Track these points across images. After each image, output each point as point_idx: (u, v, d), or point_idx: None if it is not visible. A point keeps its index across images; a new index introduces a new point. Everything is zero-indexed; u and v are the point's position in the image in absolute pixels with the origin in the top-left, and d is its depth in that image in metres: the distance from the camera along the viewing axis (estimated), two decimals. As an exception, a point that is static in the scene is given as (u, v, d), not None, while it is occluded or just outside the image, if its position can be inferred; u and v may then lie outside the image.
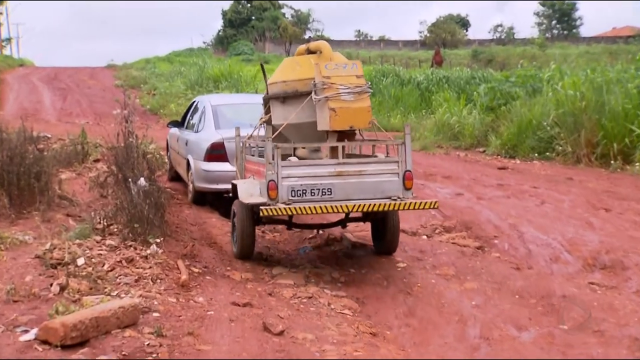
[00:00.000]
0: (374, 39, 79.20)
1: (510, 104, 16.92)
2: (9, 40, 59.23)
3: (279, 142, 6.96)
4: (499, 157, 15.34)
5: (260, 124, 7.71)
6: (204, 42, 73.83)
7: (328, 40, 72.01)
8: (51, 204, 8.30)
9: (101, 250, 6.28)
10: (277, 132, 7.10)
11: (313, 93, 6.82)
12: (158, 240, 6.76)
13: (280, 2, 74.13)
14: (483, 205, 9.74)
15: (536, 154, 14.58)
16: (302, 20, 73.51)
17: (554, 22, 79.36)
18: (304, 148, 7.56)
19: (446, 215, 9.36)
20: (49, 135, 14.62)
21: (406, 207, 6.66)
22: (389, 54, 61.74)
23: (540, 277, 6.60)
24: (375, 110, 24.59)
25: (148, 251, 6.40)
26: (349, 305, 6.08)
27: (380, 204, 6.62)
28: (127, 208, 7.06)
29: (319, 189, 6.68)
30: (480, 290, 6.30)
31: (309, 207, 6.51)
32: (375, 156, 7.31)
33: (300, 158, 7.27)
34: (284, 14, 74.01)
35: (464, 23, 77.58)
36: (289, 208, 6.52)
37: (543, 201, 9.81)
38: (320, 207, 6.53)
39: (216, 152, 9.74)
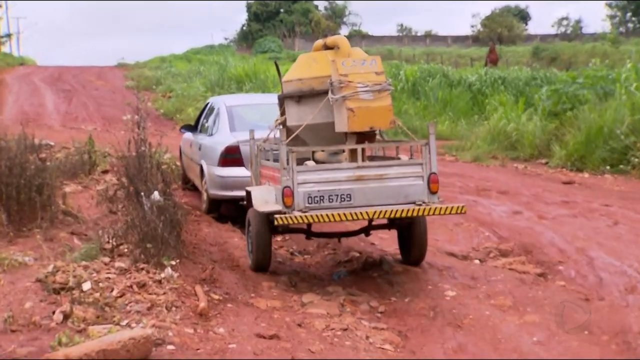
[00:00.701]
0: (418, 34, 79.11)
1: (578, 109, 16.72)
2: (8, 36, 60.48)
3: (295, 145, 7.24)
4: (564, 170, 15.18)
5: (276, 126, 8.03)
6: (226, 38, 74.70)
7: (366, 35, 72.41)
8: (54, 221, 8.41)
9: (110, 273, 6.34)
10: (294, 134, 7.38)
11: (330, 92, 7.10)
12: (173, 263, 6.81)
13: (312, -8, 74.51)
14: (545, 225, 9.64)
15: (608, 167, 14.38)
16: (336, 13, 73.92)
17: (628, 14, 78.33)
18: (323, 151, 7.78)
19: (502, 237, 9.29)
20: (52, 143, 14.86)
21: (432, 212, 7.02)
22: (436, 51, 61.63)
23: (614, 310, 6.49)
24: (419, 115, 24.63)
25: (162, 275, 6.45)
26: (389, 339, 6.05)
27: (403, 210, 6.96)
28: (139, 226, 7.13)
29: (337, 195, 6.98)
30: (542, 324, 6.22)
31: (327, 215, 6.85)
32: (398, 158, 7.55)
33: (318, 162, 7.55)
34: (316, 7, 74.46)
35: (523, 16, 77.11)
36: (306, 216, 6.85)
37: (616, 221, 9.68)
38: (340, 215, 6.86)
39: (231, 157, 10.07)
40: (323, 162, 7.60)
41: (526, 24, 77.27)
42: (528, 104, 20.48)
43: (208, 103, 12.42)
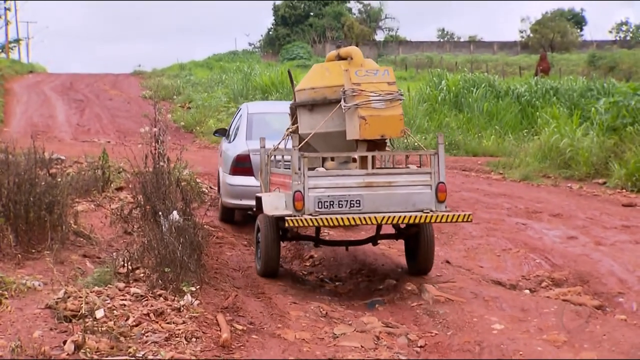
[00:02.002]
0: (461, 39, 79.10)
1: (639, 124, 16.58)
2: (17, 42, 61.25)
3: (307, 153, 8.00)
4: (624, 190, 15.02)
5: (287, 135, 8.91)
6: (251, 44, 75.16)
7: (403, 41, 72.47)
8: (65, 242, 8.49)
9: (125, 300, 6.39)
10: (304, 141, 8.21)
11: (342, 100, 7.90)
12: (193, 289, 6.85)
13: (345, -6, 74.81)
14: (603, 252, 9.54)
15: (673, 188, 14.22)
16: (371, 16, 74.09)
17: (695, 18, 77.72)
18: (332, 160, 8.59)
19: (555, 264, 9.21)
20: (63, 157, 15.05)
21: (438, 220, 7.91)
22: (481, 58, 61.52)
23: (680, 347, 6.39)
24: (463, 129, 24.60)
25: (181, 302, 6.49)
26: (430, 377, 6.01)
27: (411, 216, 7.86)
28: (156, 248, 7.19)
29: (347, 201, 7.81)
30: (600, 363, 6.14)
31: (337, 219, 7.69)
32: (408, 167, 8.50)
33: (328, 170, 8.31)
34: (349, 10, 74.71)
35: (577, 20, 76.63)
36: (316, 219, 7.68)
37: (683, 249, 9.55)
38: (349, 219, 7.73)
39: (241, 165, 11.00)
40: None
41: (581, 30, 76.79)
42: (583, 117, 20.35)
43: (240, 108, 13.37)
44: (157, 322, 6.02)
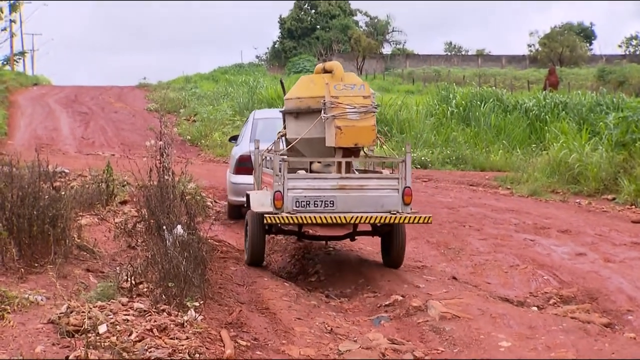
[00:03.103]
0: (469, 53, 79.24)
1: (649, 139, 16.58)
2: (22, 54, 61.58)
3: (295, 156, 9.47)
4: (634, 207, 14.99)
5: (278, 138, 10.14)
6: (257, 57, 75.43)
7: (411, 54, 72.59)
8: (68, 256, 8.49)
9: (128, 315, 6.38)
10: (290, 146, 9.49)
11: (322, 111, 9.04)
12: (197, 304, 6.84)
13: (352, 7, 75.03)
14: (612, 269, 9.53)
15: (683, 204, 14.19)
16: (379, 30, 74.26)
17: None
18: (319, 162, 9.74)
19: (563, 281, 9.20)
20: (67, 170, 15.10)
21: (402, 221, 9.01)
22: (489, 72, 61.63)
23: (690, 366, 6.36)
24: (470, 143, 24.59)
25: (185, 317, 6.48)
26: (436, 395, 5.99)
27: (379, 216, 8.98)
28: (160, 262, 7.19)
29: (322, 201, 8.92)
30: (609, 381, 6.12)
31: (312, 217, 8.84)
32: (381, 172, 9.84)
33: (314, 172, 9.68)
34: (356, 23, 74.93)
35: (587, 34, 76.71)
36: (293, 217, 8.79)
37: (693, 266, 9.53)
38: (322, 217, 8.84)
39: (244, 165, 12.20)
40: (318, 172, 9.63)
41: (590, 44, 76.85)
42: (593, 132, 20.32)
43: (249, 115, 14.87)
44: (160, 338, 6.01)
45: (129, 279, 7.31)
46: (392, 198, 9.01)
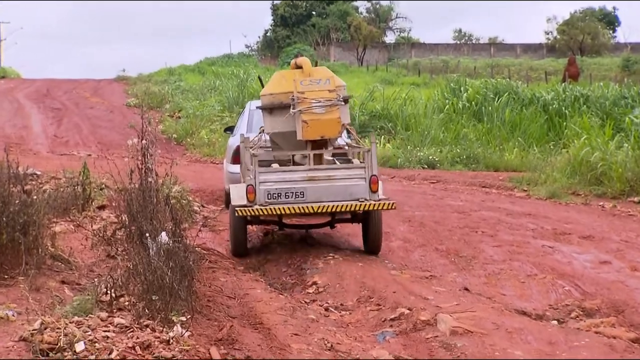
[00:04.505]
0: (480, 41, 79.27)
1: (679, 135, 16.62)
2: (-14, 43, 61.50)
3: (277, 149, 11.05)
4: (663, 210, 15.03)
5: (260, 132, 11.58)
6: (247, 46, 75.49)
7: (416, 43, 72.71)
8: (41, 267, 8.48)
9: (108, 331, 6.38)
10: (258, 141, 11.40)
11: (291, 106, 10.31)
12: (184, 319, 6.85)
13: (351, -8, 74.98)
14: (640, 278, 9.54)
15: None
16: (381, 16, 74.37)
17: None
18: (302, 155, 10.86)
19: (586, 292, 9.20)
20: (39, 173, 15.07)
21: (369, 208, 10.29)
22: (502, 62, 61.73)
23: None
24: (482, 141, 24.63)
25: (170, 334, 6.48)
26: (447, 418, 6.00)
27: (347, 205, 10.26)
28: (142, 273, 7.18)
29: (293, 192, 10.24)
30: (637, 402, 6.14)
31: (283, 208, 10.18)
32: (351, 161, 10.96)
33: (296, 163, 10.96)
34: (356, 9, 75.00)
35: (610, 20, 76.79)
36: (265, 209, 10.15)
37: None
38: (293, 208, 10.20)
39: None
40: (299, 163, 10.89)
41: (614, 31, 76.95)
42: (617, 128, 20.38)
43: (245, 106, 16.12)
44: (143, 356, 6.02)
45: (108, 292, 7.31)
46: (359, 187, 10.28)
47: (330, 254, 10.89)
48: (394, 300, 8.95)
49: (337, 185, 10.30)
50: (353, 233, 12.25)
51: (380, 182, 10.56)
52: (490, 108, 27.27)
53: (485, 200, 16.83)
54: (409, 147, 24.31)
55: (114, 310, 6.99)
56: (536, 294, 9.36)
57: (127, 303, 7.15)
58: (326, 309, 8.97)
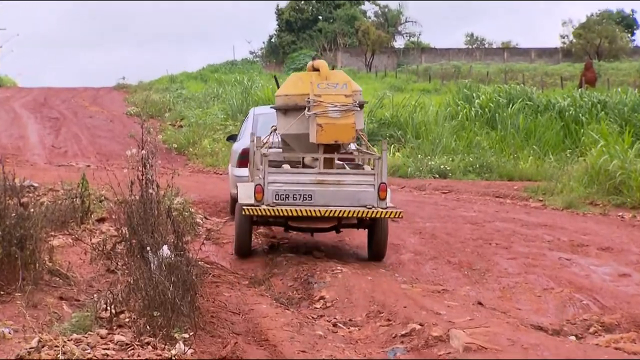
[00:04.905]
0: (493, 46, 79.21)
1: (701, 142, 16.58)
2: (-18, 52, 61.76)
3: (288, 150, 11.39)
4: (685, 220, 14.99)
5: (271, 133, 11.75)
6: (251, 52, 75.54)
7: (426, 48, 72.71)
8: (39, 283, 8.48)
9: (107, 349, 6.39)
10: (267, 141, 11.40)
11: (306, 108, 10.55)
12: (186, 336, 6.85)
13: (359, -5, 75.05)
14: (661, 292, 9.51)
15: None
16: (390, 21, 74.35)
17: None
18: (312, 157, 11.13)
19: (605, 306, 9.17)
20: (36, 185, 15.08)
21: (376, 215, 10.57)
22: (516, 67, 61.65)
23: None
24: (496, 149, 24.59)
25: (173, 351, 6.48)
26: None
27: (355, 211, 10.56)
28: (143, 289, 7.19)
29: (301, 195, 10.53)
30: (659, 421, 6.11)
31: (290, 210, 10.50)
32: (363, 167, 11.41)
33: (306, 165, 11.39)
34: (364, 13, 75.04)
35: (628, 23, 76.64)
36: (272, 209, 10.47)
37: None
38: (300, 210, 10.50)
39: (246, 158, 13.21)
40: (310, 165, 11.29)
41: (632, 34, 76.80)
42: (636, 135, 20.33)
43: (249, 112, 16.77)
44: (144, 375, 6.02)
45: (108, 308, 7.31)
46: (368, 193, 10.56)
47: (339, 267, 10.87)
48: (405, 316, 8.93)
49: (345, 190, 10.58)
50: (362, 245, 12.23)
51: (388, 190, 10.75)
52: (504, 115, 27.20)
53: (499, 210, 16.80)
54: (419, 155, 24.26)
55: (114, 327, 6.99)
56: (553, 309, 9.33)
57: (127, 319, 7.15)
58: (334, 325, 8.96)
